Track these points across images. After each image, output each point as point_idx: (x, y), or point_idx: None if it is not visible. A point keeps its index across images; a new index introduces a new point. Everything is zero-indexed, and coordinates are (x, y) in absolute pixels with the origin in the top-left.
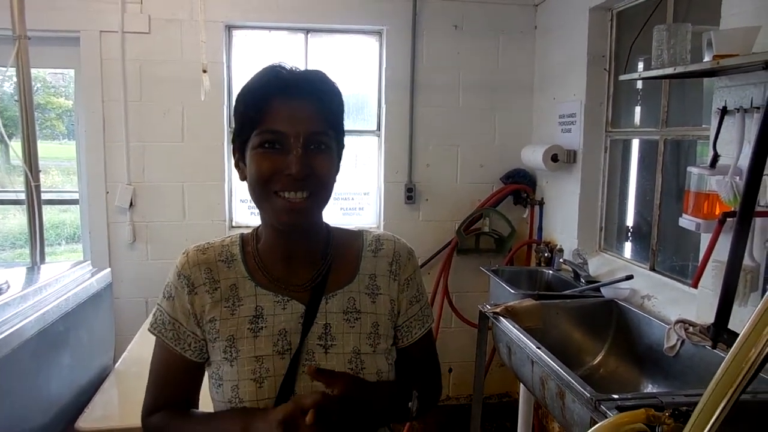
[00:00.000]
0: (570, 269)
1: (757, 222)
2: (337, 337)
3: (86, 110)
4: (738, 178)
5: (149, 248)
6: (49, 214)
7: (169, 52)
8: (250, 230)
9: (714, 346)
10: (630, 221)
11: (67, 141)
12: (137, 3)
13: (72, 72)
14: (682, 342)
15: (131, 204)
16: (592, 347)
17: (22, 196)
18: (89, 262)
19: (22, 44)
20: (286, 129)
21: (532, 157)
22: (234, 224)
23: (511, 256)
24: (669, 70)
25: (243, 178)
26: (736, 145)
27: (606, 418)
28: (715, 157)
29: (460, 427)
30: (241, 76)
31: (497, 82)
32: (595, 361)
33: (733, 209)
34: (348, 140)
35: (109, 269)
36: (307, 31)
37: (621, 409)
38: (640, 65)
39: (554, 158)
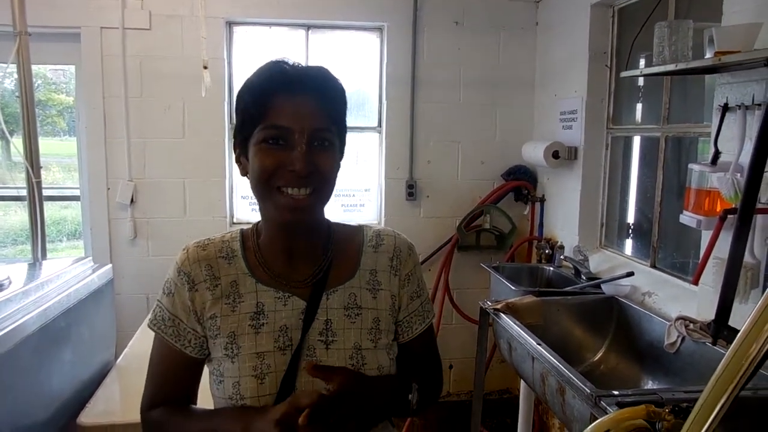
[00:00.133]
0: (571, 266)
1: (758, 219)
2: (338, 332)
3: (87, 106)
4: (739, 175)
5: (150, 244)
6: (50, 210)
7: (169, 48)
8: (250, 226)
9: (714, 343)
10: (631, 218)
11: (68, 137)
12: None
13: (73, 68)
14: (683, 339)
15: (132, 200)
16: (593, 344)
17: (24, 193)
18: (90, 258)
19: (22, 40)
20: (291, 125)
21: (533, 153)
22: (235, 220)
23: (512, 252)
24: (670, 67)
25: (244, 173)
26: (738, 142)
27: (606, 414)
28: (717, 154)
29: (460, 424)
30: (242, 73)
31: (498, 79)
32: (596, 358)
33: (734, 206)
34: (349, 137)
35: (110, 265)
36: (308, 27)
37: (621, 405)
38: (642, 62)
39: (555, 155)
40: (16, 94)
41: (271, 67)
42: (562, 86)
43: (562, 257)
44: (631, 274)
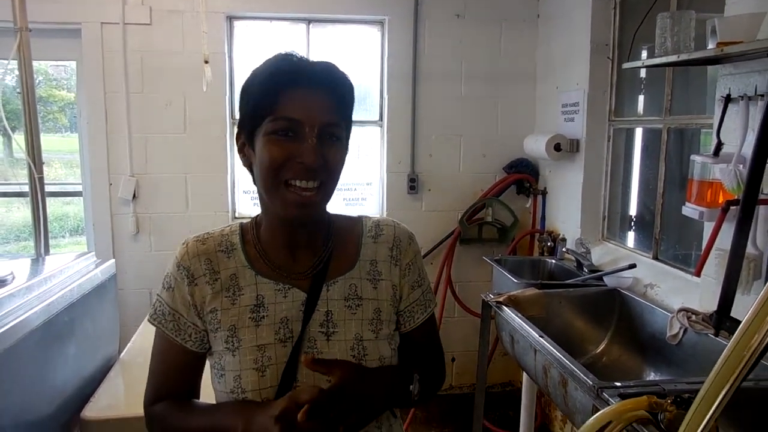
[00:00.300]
0: (573, 258)
1: (761, 210)
2: (339, 324)
3: (88, 102)
4: (741, 166)
5: (152, 239)
6: (53, 206)
7: (170, 43)
8: (249, 220)
9: (716, 334)
10: (633, 210)
11: (69, 133)
12: None
13: (74, 64)
14: (685, 330)
15: (134, 196)
16: (595, 336)
17: (26, 189)
18: (93, 253)
19: (23, 36)
20: (301, 117)
21: (535, 146)
22: (237, 215)
23: (514, 245)
24: (672, 58)
25: (247, 164)
26: (740, 133)
27: (608, 405)
28: (719, 146)
29: (463, 416)
30: (243, 67)
31: (500, 71)
32: (598, 350)
33: (736, 197)
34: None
35: (113, 260)
36: (309, 21)
37: (623, 396)
38: (644, 53)
39: (557, 147)
40: (18, 90)
41: (281, 60)
42: (563, 78)
43: (564, 250)
44: (633, 266)
